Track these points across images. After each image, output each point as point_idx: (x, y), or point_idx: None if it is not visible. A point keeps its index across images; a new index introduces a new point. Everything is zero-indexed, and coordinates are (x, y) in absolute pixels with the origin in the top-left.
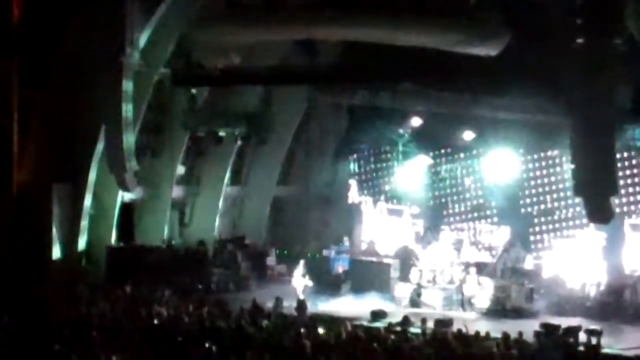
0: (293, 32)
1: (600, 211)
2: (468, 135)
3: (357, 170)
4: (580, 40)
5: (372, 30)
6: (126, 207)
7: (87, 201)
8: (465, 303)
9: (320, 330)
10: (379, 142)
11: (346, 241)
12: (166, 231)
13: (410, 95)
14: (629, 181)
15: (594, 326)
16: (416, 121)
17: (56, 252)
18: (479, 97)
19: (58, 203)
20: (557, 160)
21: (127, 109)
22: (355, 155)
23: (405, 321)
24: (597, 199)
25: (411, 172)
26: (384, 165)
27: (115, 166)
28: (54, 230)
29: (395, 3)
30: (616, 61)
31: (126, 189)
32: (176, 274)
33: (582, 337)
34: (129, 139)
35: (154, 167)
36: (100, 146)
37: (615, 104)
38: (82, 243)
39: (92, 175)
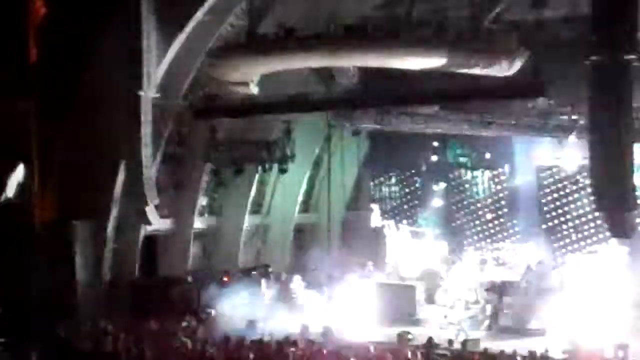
0: (309, 61)
1: (621, 225)
2: (486, 155)
3: (379, 194)
4: (595, 57)
5: (391, 58)
6: (149, 240)
7: (110, 236)
8: (491, 322)
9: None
10: (400, 166)
11: (370, 265)
12: (190, 262)
13: (430, 119)
14: None
15: (622, 342)
16: (436, 145)
17: (81, 288)
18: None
19: (81, 239)
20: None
21: (147, 143)
22: (376, 180)
23: (430, 343)
24: (618, 213)
25: (433, 195)
26: (406, 188)
27: (137, 200)
28: (78, 266)
29: (412, 29)
30: (632, 75)
31: (148, 222)
32: (201, 304)
33: (610, 351)
34: (149, 173)
35: (176, 199)
36: (121, 180)
37: (633, 120)
38: (106, 278)
39: (115, 210)
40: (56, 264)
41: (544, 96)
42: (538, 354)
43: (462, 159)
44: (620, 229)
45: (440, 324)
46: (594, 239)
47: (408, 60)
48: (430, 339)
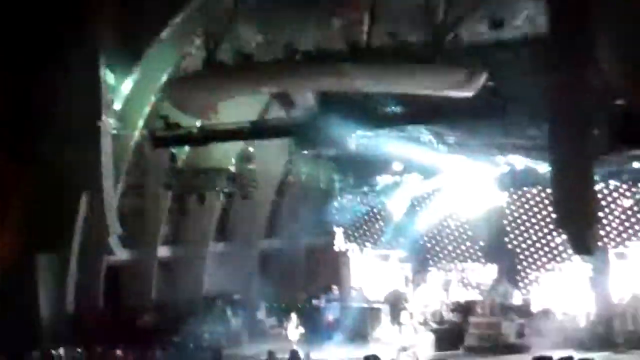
0: (267, 86)
1: (583, 243)
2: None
3: (342, 217)
4: (555, 76)
5: (355, 81)
6: (112, 270)
7: (73, 267)
8: (456, 342)
9: None
10: (362, 189)
11: (335, 289)
12: (154, 292)
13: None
14: (610, 211)
15: (585, 357)
16: (398, 166)
17: (45, 319)
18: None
19: (43, 272)
20: (539, 196)
21: (107, 173)
22: (339, 204)
23: None
24: (580, 231)
25: (395, 217)
26: (370, 211)
27: (99, 231)
28: (41, 298)
29: (372, 54)
30: (592, 95)
31: (111, 252)
32: (167, 334)
33: None
34: (111, 203)
35: (138, 229)
36: (83, 211)
37: (592, 137)
38: (70, 308)
39: (77, 241)
40: (19, 296)
41: (504, 116)
42: None
43: None
44: (583, 246)
45: (405, 345)
46: (558, 257)
47: (367, 84)
48: None
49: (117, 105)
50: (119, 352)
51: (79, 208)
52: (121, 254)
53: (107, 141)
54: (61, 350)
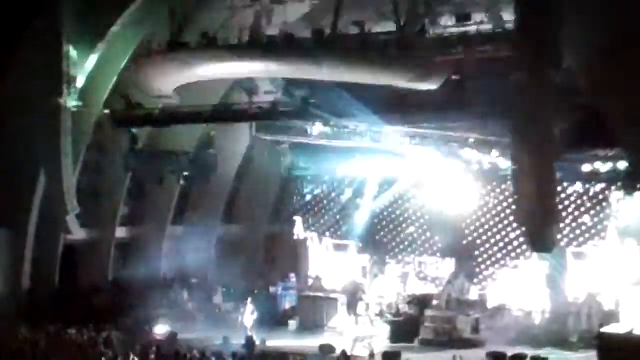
0: (231, 70)
1: (542, 241)
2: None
3: (302, 206)
4: (519, 74)
5: (319, 69)
6: (70, 249)
7: (30, 244)
8: (412, 335)
9: None
10: (322, 178)
11: (293, 277)
12: (111, 272)
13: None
14: (570, 211)
15: (539, 354)
16: (360, 157)
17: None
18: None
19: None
20: (500, 192)
21: (67, 151)
22: (299, 192)
23: (345, 356)
24: (539, 228)
25: (359, 207)
26: (329, 201)
27: (57, 209)
28: None
29: (337, 42)
30: (555, 94)
31: (68, 231)
32: (122, 314)
33: None
34: (70, 181)
35: (96, 209)
36: (41, 189)
37: (555, 136)
38: (26, 286)
39: (34, 219)
40: None
41: (469, 110)
42: None
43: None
44: (541, 244)
45: (361, 336)
46: (514, 253)
47: (331, 72)
48: (344, 352)
49: (80, 83)
50: (73, 331)
51: (37, 185)
52: (79, 233)
53: (67, 119)
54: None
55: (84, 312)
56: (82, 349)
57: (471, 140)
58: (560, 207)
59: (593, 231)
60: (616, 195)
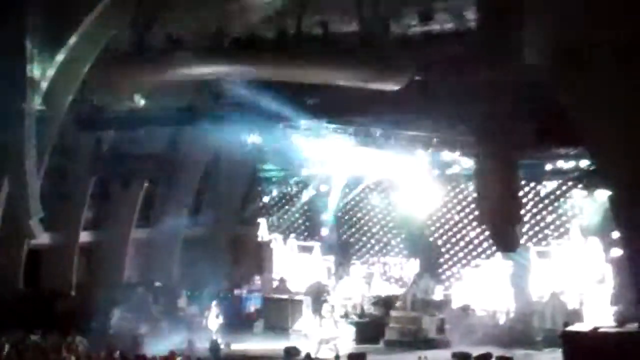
0: (196, 72)
1: (505, 240)
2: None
3: (266, 208)
4: (481, 73)
5: (282, 69)
6: (33, 254)
7: None
8: (377, 336)
9: None
10: (287, 179)
11: (257, 280)
12: (75, 276)
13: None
14: (534, 210)
15: (504, 353)
16: (323, 158)
17: None
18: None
19: None
20: (463, 191)
21: (31, 155)
22: (264, 194)
23: (310, 359)
24: (502, 227)
25: (323, 208)
26: (294, 202)
27: (20, 213)
28: None
29: (301, 43)
30: (517, 92)
31: (32, 235)
32: (86, 319)
33: None
34: (33, 185)
35: (60, 213)
36: (4, 193)
37: (517, 134)
38: None
39: None
40: None
41: (432, 110)
42: None
43: None
44: (505, 243)
45: (325, 338)
46: (478, 252)
47: (294, 73)
48: (308, 355)
49: (43, 86)
50: (36, 336)
51: (1, 189)
52: (42, 238)
53: (30, 123)
54: None
55: (47, 317)
56: (45, 354)
57: (435, 139)
58: (524, 206)
59: (556, 230)
60: (579, 194)
